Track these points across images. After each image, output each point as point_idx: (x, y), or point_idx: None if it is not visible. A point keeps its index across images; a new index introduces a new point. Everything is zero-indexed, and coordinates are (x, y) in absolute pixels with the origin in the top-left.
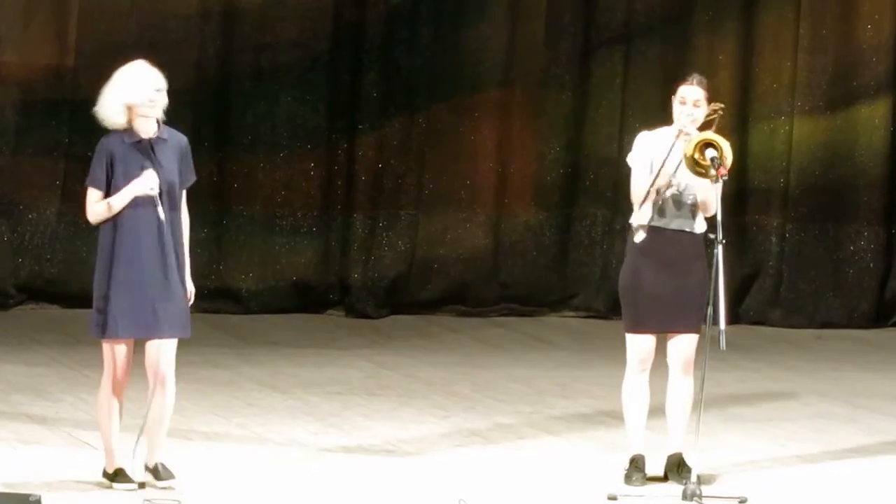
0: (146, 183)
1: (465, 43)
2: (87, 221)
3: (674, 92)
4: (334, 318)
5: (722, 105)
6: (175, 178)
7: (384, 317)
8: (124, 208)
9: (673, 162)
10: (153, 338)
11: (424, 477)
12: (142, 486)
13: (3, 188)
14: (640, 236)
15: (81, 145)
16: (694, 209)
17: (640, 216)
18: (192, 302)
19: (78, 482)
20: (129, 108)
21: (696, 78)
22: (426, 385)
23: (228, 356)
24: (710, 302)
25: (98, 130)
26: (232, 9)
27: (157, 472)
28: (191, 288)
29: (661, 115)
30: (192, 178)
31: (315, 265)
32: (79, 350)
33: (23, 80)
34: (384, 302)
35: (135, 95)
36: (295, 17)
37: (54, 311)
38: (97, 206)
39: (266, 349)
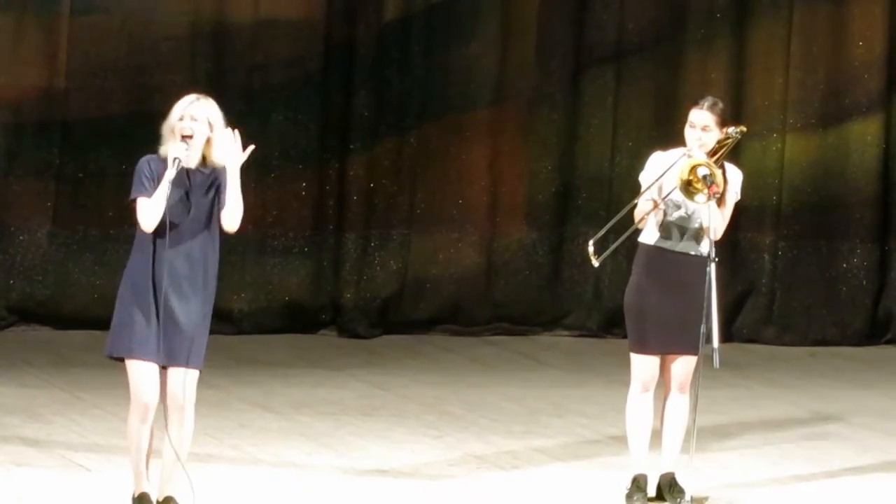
0: (175, 151)
1: (456, 62)
2: (139, 229)
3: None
4: (327, 338)
5: (741, 129)
6: (204, 212)
7: (376, 336)
8: (149, 233)
9: (668, 183)
10: (169, 364)
11: (417, 497)
12: None
13: None
14: (595, 263)
15: (72, 166)
16: (700, 232)
17: (647, 235)
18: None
19: None
20: (173, 134)
21: (707, 102)
22: (419, 405)
23: (220, 377)
24: (703, 320)
25: (88, 151)
26: (223, 29)
27: None
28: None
29: (653, 134)
30: None
31: (307, 285)
32: (71, 372)
33: (13, 102)
34: (376, 322)
35: (171, 119)
36: (286, 37)
37: (46, 332)
38: (146, 206)
39: (258, 369)
